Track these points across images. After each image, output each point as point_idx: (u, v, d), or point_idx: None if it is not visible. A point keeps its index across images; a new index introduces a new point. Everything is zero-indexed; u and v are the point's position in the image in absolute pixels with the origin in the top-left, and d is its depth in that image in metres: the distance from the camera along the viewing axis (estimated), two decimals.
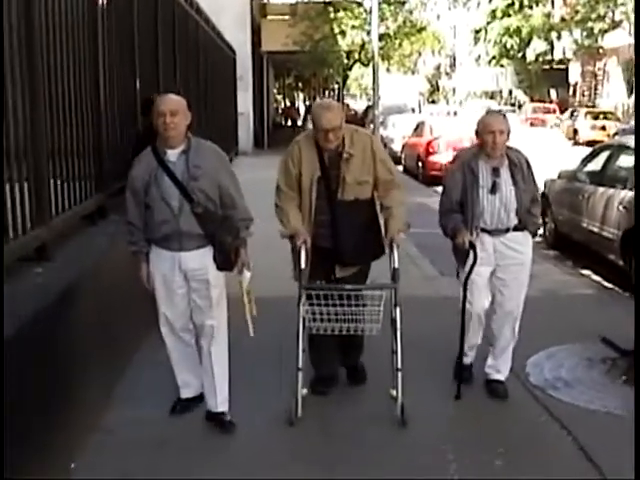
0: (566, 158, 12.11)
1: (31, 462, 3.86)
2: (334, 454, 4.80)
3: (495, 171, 5.36)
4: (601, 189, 9.73)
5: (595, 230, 9.66)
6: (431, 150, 20.69)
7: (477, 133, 5.40)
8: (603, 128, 34.40)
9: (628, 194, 8.76)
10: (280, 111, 59.98)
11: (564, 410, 5.28)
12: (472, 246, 5.31)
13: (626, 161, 9.53)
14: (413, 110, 40.64)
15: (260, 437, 5.02)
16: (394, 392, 5.20)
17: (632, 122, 31.01)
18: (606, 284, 9.23)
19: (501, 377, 5.65)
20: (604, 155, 10.41)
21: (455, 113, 38.58)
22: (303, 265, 5.19)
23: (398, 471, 4.56)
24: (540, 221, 5.66)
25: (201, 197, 4.89)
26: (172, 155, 4.92)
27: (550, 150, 13.03)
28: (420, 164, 21.25)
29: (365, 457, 4.76)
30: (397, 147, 25.23)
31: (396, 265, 5.17)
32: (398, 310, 5.16)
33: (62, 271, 4.74)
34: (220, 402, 5.17)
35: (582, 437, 4.87)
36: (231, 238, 4.98)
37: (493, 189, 5.35)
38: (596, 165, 10.49)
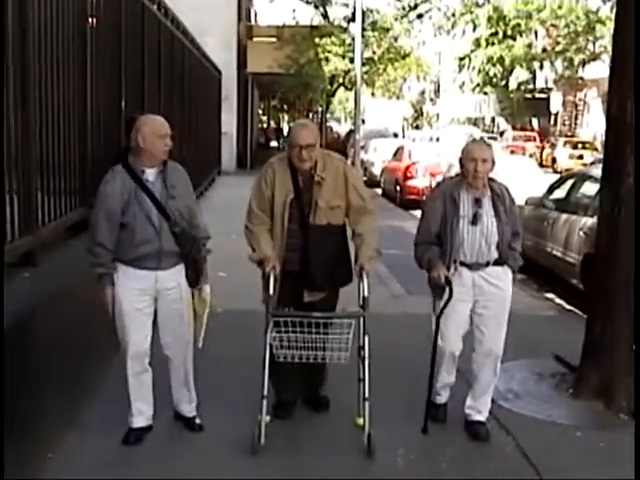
0: (536, 185, 12.53)
1: None
2: None
3: (477, 202, 5.20)
4: (564, 216, 10.18)
5: (558, 255, 10.08)
6: (409, 174, 21.16)
7: (460, 161, 5.26)
8: (580, 157, 35.08)
9: (589, 221, 9.16)
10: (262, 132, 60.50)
11: (512, 419, 5.65)
12: (448, 282, 5.13)
13: (589, 189, 9.96)
14: (395, 135, 41.13)
15: (222, 466, 4.91)
16: (360, 420, 5.20)
17: None
18: (567, 307, 9.63)
19: (482, 418, 5.46)
20: (569, 183, 10.89)
21: (437, 139, 39.07)
22: (272, 291, 5.13)
23: None
24: (520, 257, 5.44)
25: (177, 216, 5.01)
26: (150, 174, 5.01)
27: (522, 177, 13.40)
28: (398, 188, 21.67)
29: None
30: (377, 171, 25.69)
31: (366, 293, 5.12)
32: (367, 338, 5.10)
33: (48, 275, 5.06)
34: (193, 407, 5.44)
35: (526, 443, 5.24)
36: (200, 256, 5.16)
37: (474, 220, 5.18)
38: (561, 193, 10.95)
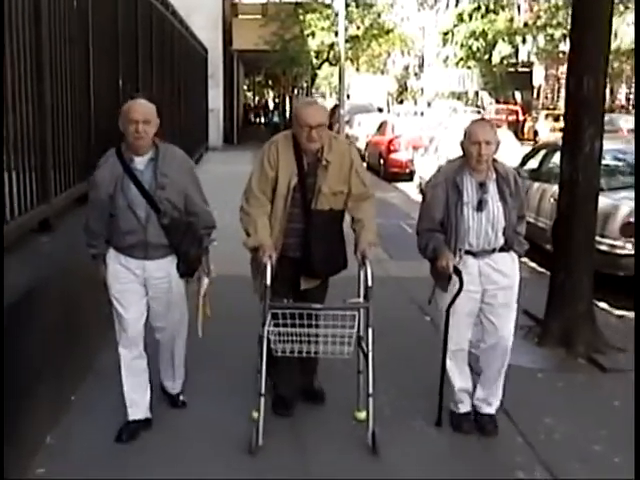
0: (513, 157, 13.14)
1: None
2: None
3: (482, 186, 4.91)
4: (537, 184, 10.79)
5: (531, 221, 10.66)
6: (392, 148, 21.79)
7: (462, 144, 4.96)
8: (562, 130, 35.45)
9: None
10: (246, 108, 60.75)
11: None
12: (457, 271, 4.84)
13: (559, 159, 10.52)
14: (380, 110, 41.61)
15: (218, 467, 4.65)
16: (360, 415, 5.09)
17: None
18: (539, 269, 10.25)
19: (491, 410, 5.25)
20: (541, 154, 11.50)
21: (422, 113, 39.59)
22: (268, 282, 4.82)
23: None
24: (525, 242, 5.20)
25: (168, 207, 4.82)
26: (139, 163, 4.84)
27: (500, 149, 13.98)
28: (382, 161, 22.25)
29: None
30: (362, 145, 26.30)
31: (369, 283, 4.83)
32: (370, 331, 4.78)
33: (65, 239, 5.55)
34: (178, 384, 5.46)
35: None
36: (195, 248, 4.97)
37: (480, 206, 4.89)
38: (534, 163, 11.55)
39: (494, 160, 4.98)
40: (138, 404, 5.08)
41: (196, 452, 4.82)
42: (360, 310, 4.77)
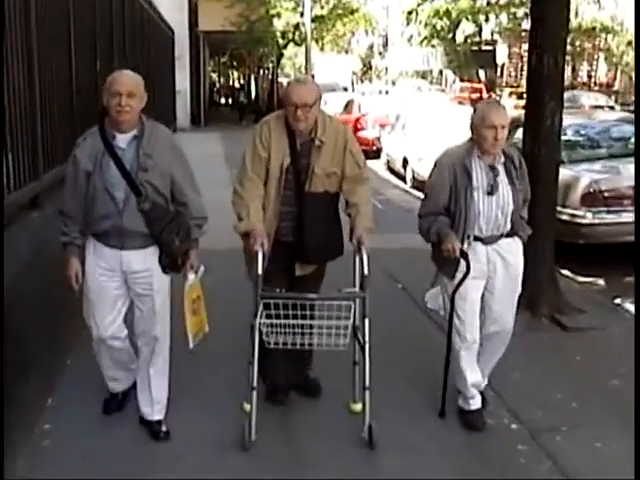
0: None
1: None
2: None
3: (492, 169, 4.74)
4: None
5: None
6: (359, 126, 22.13)
7: (472, 126, 4.73)
8: (524, 106, 36.01)
9: None
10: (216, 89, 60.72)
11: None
12: (464, 255, 4.64)
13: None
14: (345, 89, 41.94)
15: (209, 465, 4.46)
16: (355, 407, 4.96)
17: None
18: None
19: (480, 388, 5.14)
20: None
21: (387, 92, 39.94)
22: (260, 271, 4.60)
23: None
24: (528, 226, 5.03)
25: (150, 191, 4.38)
26: (122, 140, 4.41)
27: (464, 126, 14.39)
28: None
29: None
30: None
31: (365, 271, 4.59)
32: (367, 322, 4.60)
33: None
34: (157, 410, 4.77)
35: None
36: (179, 239, 4.50)
37: (491, 190, 4.71)
38: None
39: None
40: (118, 379, 4.91)
41: (186, 450, 4.59)
42: (356, 300, 4.62)
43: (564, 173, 9.38)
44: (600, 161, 9.83)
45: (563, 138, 10.13)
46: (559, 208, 7.91)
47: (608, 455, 4.62)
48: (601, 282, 8.63)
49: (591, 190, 9.04)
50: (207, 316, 4.92)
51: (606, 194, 9.00)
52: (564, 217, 8.86)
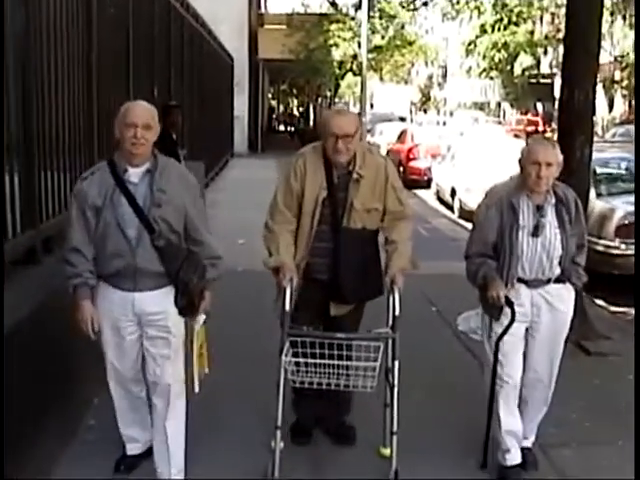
0: None
1: None
2: None
3: (539, 209, 4.54)
4: None
5: None
6: (411, 156, 22.57)
7: (520, 162, 4.60)
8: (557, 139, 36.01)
9: None
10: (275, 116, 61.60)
11: (477, 346, 6.90)
12: (509, 303, 4.46)
13: None
14: (403, 119, 42.33)
15: None
16: (385, 451, 4.71)
17: (607, 136, 32.86)
18: None
19: (528, 444, 4.94)
20: None
21: (444, 123, 40.21)
22: (287, 307, 4.42)
23: None
24: (584, 274, 4.77)
25: (164, 227, 4.15)
26: (134, 175, 4.18)
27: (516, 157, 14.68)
28: (401, 168, 22.94)
29: None
30: (383, 153, 27.04)
31: (397, 312, 4.41)
32: (397, 364, 4.40)
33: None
34: (175, 473, 4.44)
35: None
36: (197, 278, 4.26)
37: (535, 231, 4.52)
38: None
39: (554, 182, 4.58)
40: (136, 440, 4.67)
41: None
42: (386, 341, 4.43)
43: (601, 205, 9.66)
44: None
45: (603, 171, 10.51)
46: (594, 239, 8.16)
47: (614, 468, 4.87)
48: (632, 312, 8.81)
49: (626, 222, 9.27)
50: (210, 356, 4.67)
51: None
52: (599, 248, 9.09)
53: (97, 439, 4.98)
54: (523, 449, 4.82)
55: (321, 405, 5.05)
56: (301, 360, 4.30)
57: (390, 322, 4.48)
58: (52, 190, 5.27)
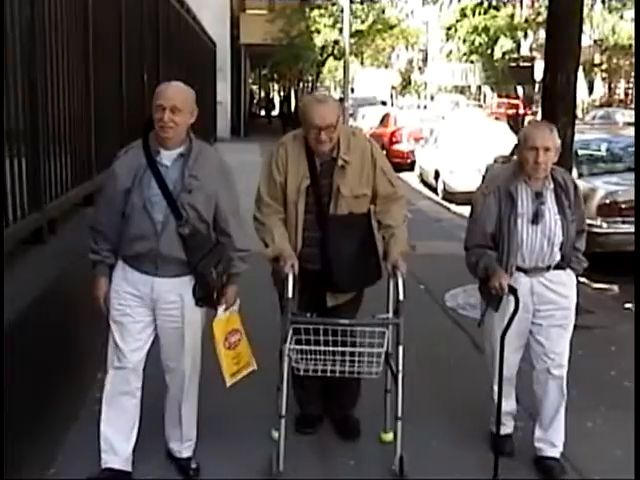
0: (508, 146, 14.09)
1: None
2: None
3: (538, 196, 4.45)
4: None
5: None
6: (394, 140, 22.93)
7: (517, 147, 4.59)
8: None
9: None
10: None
11: (465, 321, 7.22)
12: (513, 291, 4.34)
13: None
14: (384, 103, 42.50)
15: None
16: (387, 436, 4.76)
17: (587, 118, 33.26)
18: None
19: (555, 454, 4.72)
20: None
21: (425, 107, 40.44)
22: (290, 294, 4.32)
23: None
24: (584, 259, 4.69)
25: (192, 215, 4.06)
26: (166, 157, 4.09)
27: (497, 140, 14.98)
28: (385, 152, 23.16)
29: None
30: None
31: (401, 297, 4.32)
32: (401, 349, 4.32)
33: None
34: (186, 447, 4.51)
35: (474, 334, 6.67)
36: (217, 272, 4.14)
37: (535, 218, 4.43)
38: None
39: (552, 167, 4.49)
40: (115, 450, 4.28)
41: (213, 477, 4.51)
42: (389, 326, 4.39)
43: (583, 185, 9.89)
44: (618, 174, 10.33)
45: (584, 152, 10.77)
46: None
47: (597, 433, 5.18)
48: (615, 288, 9.10)
49: (607, 201, 9.53)
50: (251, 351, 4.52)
51: (622, 205, 9.49)
52: None
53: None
54: (549, 458, 4.70)
55: (326, 401, 5.07)
56: (305, 347, 4.22)
57: (394, 307, 4.46)
58: (55, 174, 5.39)
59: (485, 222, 4.52)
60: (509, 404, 4.81)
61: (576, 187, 4.59)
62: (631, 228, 9.28)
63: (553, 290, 4.54)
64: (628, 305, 8.28)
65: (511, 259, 4.44)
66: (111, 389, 4.28)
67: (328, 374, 4.31)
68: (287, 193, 4.58)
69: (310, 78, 46.29)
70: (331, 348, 4.22)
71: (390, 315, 4.53)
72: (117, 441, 4.28)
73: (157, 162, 4.07)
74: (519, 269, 4.49)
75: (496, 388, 4.61)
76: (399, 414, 4.35)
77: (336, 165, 4.53)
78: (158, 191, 4.03)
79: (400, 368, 4.35)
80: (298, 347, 4.23)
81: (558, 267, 4.55)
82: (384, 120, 25.54)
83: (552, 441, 4.73)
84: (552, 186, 4.49)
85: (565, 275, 4.59)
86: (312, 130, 4.44)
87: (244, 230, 4.36)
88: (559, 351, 4.64)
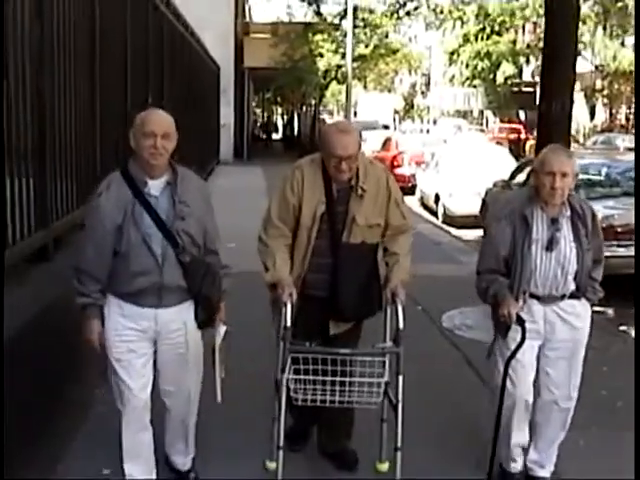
0: (508, 171, 14.26)
1: None
2: None
3: (554, 222, 4.34)
4: None
5: None
6: (396, 163, 23.10)
7: (533, 172, 4.48)
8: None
9: None
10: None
11: (461, 341, 7.34)
12: (520, 321, 4.23)
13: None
14: (386, 127, 42.77)
15: None
16: (382, 466, 4.59)
17: (588, 143, 33.52)
18: None
19: (546, 474, 4.72)
20: (528, 168, 12.57)
21: (427, 131, 40.69)
22: (288, 323, 4.22)
23: None
24: (600, 289, 4.55)
25: (187, 241, 4.02)
26: (154, 187, 3.99)
27: (497, 165, 15.21)
28: None
29: None
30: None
31: (401, 325, 4.21)
32: (401, 379, 4.19)
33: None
34: (189, 460, 4.58)
35: (469, 355, 6.85)
36: (216, 291, 4.19)
37: (550, 245, 4.32)
38: (522, 176, 12.64)
39: (570, 193, 4.36)
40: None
41: None
42: (388, 356, 4.26)
43: None
44: (615, 198, 10.47)
45: (582, 177, 10.91)
46: None
47: (589, 452, 5.18)
48: (610, 311, 9.20)
49: (603, 225, 9.57)
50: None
51: (618, 229, 9.60)
52: None
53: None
54: (539, 478, 4.71)
55: (319, 436, 5.04)
56: (303, 377, 4.11)
57: (393, 336, 4.32)
58: (61, 193, 5.53)
59: (499, 246, 4.43)
60: (520, 434, 4.64)
61: (594, 216, 4.46)
62: (627, 252, 9.44)
63: (566, 321, 4.44)
64: (622, 328, 8.37)
65: (523, 284, 4.34)
66: (127, 428, 4.22)
67: (327, 404, 4.19)
68: (300, 217, 4.49)
69: (313, 102, 46.54)
70: (330, 378, 4.10)
71: (389, 344, 4.36)
72: (137, 472, 4.29)
73: (145, 194, 3.97)
74: (533, 296, 4.40)
75: (504, 420, 4.52)
76: (398, 445, 4.19)
77: (353, 193, 4.49)
78: (152, 224, 3.95)
79: (400, 398, 4.20)
80: (297, 377, 4.12)
81: (573, 296, 4.43)
82: (386, 144, 25.75)
83: (543, 463, 4.73)
84: (569, 213, 4.37)
85: (580, 305, 4.48)
86: (333, 159, 4.37)
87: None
88: (568, 386, 4.56)
